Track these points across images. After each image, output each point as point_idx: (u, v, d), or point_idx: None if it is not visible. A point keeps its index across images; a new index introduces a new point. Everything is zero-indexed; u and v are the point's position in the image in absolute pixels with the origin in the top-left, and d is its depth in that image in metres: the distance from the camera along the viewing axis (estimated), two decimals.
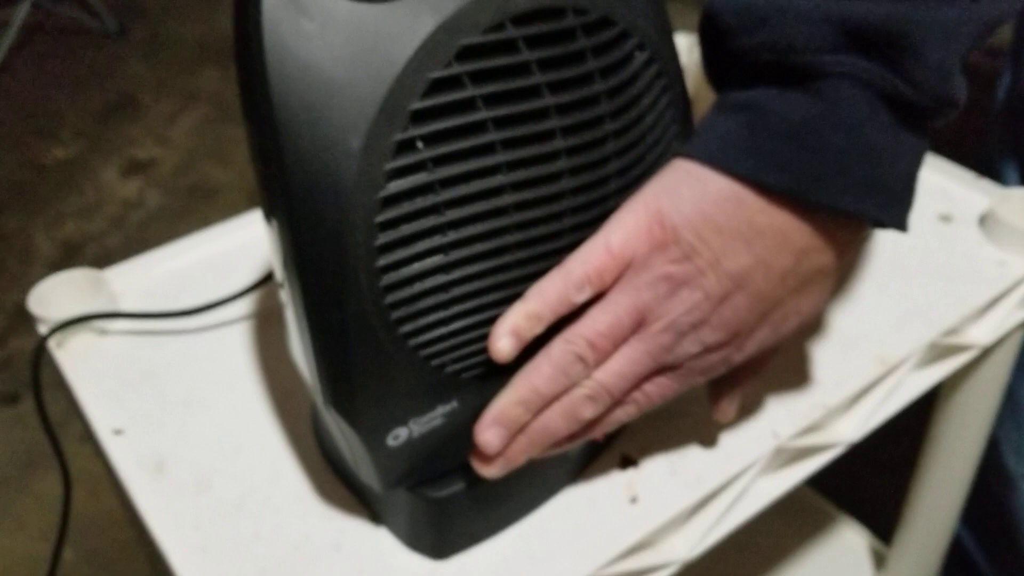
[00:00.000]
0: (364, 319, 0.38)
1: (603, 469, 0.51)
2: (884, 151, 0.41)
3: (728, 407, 0.49)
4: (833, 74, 0.40)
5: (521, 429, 0.43)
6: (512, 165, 0.39)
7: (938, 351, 0.60)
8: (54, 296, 0.60)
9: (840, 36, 0.39)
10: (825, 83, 0.40)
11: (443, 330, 0.40)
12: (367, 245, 0.37)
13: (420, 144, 0.37)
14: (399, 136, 0.37)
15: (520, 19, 0.38)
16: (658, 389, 0.44)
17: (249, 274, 0.64)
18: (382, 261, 0.38)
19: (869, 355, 0.56)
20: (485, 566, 0.47)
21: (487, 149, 0.38)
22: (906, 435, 0.82)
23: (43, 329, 0.59)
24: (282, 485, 0.50)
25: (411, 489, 0.45)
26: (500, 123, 0.38)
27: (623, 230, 0.41)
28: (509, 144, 0.39)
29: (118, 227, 2.16)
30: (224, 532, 0.48)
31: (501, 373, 0.42)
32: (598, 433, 0.45)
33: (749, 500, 0.51)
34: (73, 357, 0.59)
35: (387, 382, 0.40)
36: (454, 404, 0.43)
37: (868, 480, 1.29)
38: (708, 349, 0.43)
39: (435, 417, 0.43)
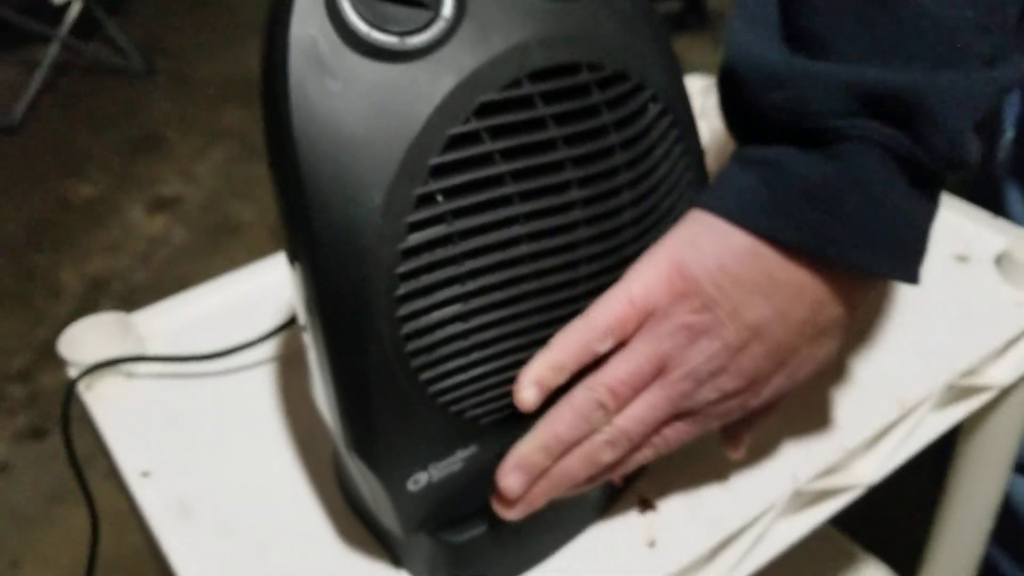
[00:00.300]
0: (386, 367, 0.39)
1: (621, 512, 0.51)
2: (898, 211, 0.42)
3: (740, 446, 0.50)
4: (850, 138, 0.41)
5: (542, 473, 0.44)
6: (529, 216, 0.40)
7: (956, 392, 0.60)
8: (83, 339, 0.61)
9: (858, 102, 0.40)
10: (842, 146, 0.41)
11: (462, 377, 0.41)
12: (388, 295, 0.38)
13: (440, 197, 0.38)
14: (419, 190, 0.38)
15: (536, 76, 0.39)
16: (676, 433, 0.45)
17: (272, 316, 0.65)
18: (403, 310, 0.39)
19: (887, 397, 0.56)
20: None
21: (505, 201, 0.39)
22: (927, 468, 0.82)
23: (72, 372, 0.60)
24: (305, 528, 0.51)
25: (431, 533, 0.46)
26: (517, 176, 0.39)
27: (644, 281, 0.42)
28: (526, 196, 0.40)
29: (144, 264, 2.18)
30: (249, 574, 0.49)
31: (520, 418, 0.43)
32: (616, 475, 0.46)
33: (768, 543, 0.51)
34: (101, 400, 0.60)
35: (408, 428, 0.41)
36: (474, 449, 0.44)
37: (889, 514, 1.28)
38: (726, 396, 0.44)
39: (455, 462, 0.44)
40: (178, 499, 0.53)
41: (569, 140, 0.40)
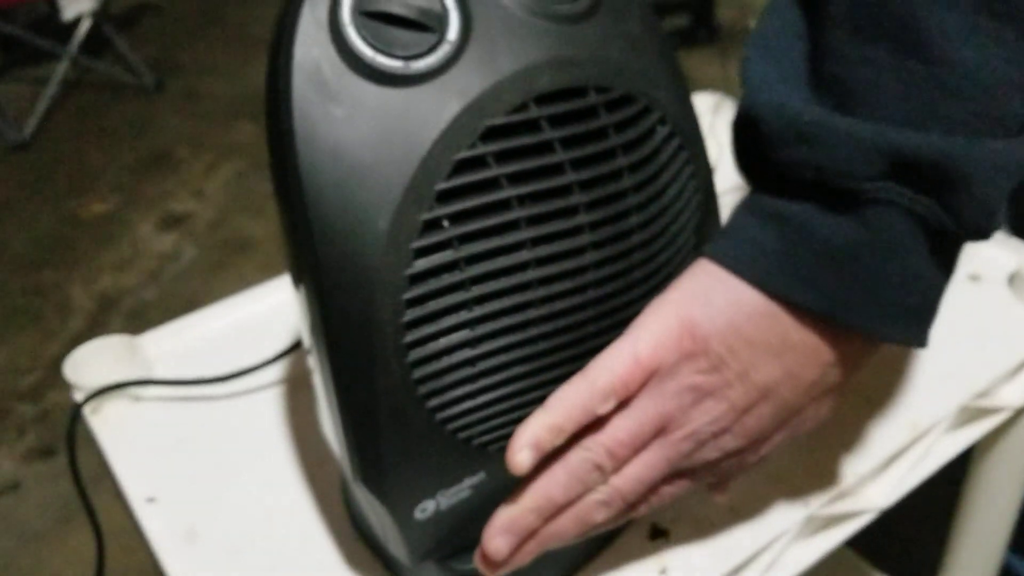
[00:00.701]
0: (393, 395, 0.39)
1: (632, 540, 0.51)
2: (920, 278, 0.40)
3: (726, 492, 0.48)
4: (878, 201, 0.39)
5: (531, 534, 0.42)
6: (536, 241, 0.39)
7: (970, 414, 0.60)
8: (90, 362, 0.61)
9: (889, 165, 0.38)
10: (868, 210, 0.39)
11: (470, 404, 0.41)
12: (395, 322, 0.38)
13: (446, 223, 0.38)
14: (425, 216, 0.37)
15: (543, 99, 0.39)
16: (672, 489, 0.44)
17: (280, 338, 0.65)
18: (410, 337, 0.38)
19: (900, 420, 0.56)
20: None
21: (512, 226, 0.39)
22: (941, 486, 0.81)
23: (79, 396, 0.60)
24: (312, 554, 0.51)
25: (439, 561, 0.45)
26: (524, 200, 0.39)
27: (652, 339, 0.41)
28: (533, 221, 0.39)
29: (154, 280, 2.19)
30: None
31: None
32: (606, 528, 0.45)
33: (780, 569, 0.51)
34: (107, 423, 0.60)
35: (416, 456, 0.41)
36: (482, 476, 0.43)
37: (902, 532, 1.27)
38: (727, 455, 0.43)
39: (463, 489, 0.43)
40: (184, 525, 0.52)
41: (577, 164, 0.40)
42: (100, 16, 2.77)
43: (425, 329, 0.39)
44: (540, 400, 0.41)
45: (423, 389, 0.39)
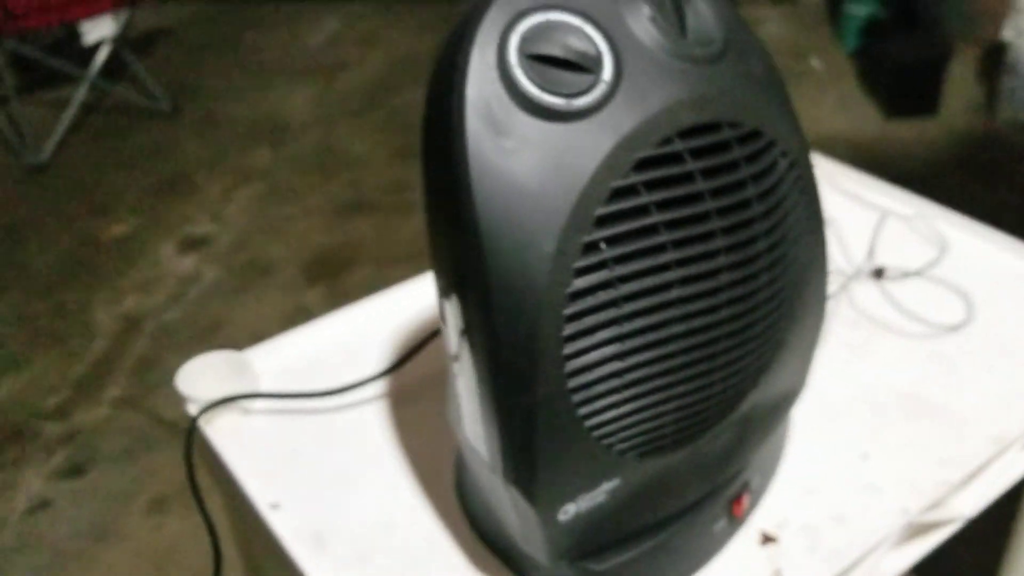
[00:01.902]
0: (550, 402, 0.42)
1: (744, 545, 0.54)
2: None
3: None
4: None
5: None
6: (680, 263, 0.43)
7: None
8: (199, 376, 0.64)
9: None
10: None
11: (615, 412, 0.44)
12: (555, 336, 0.42)
13: (603, 245, 0.42)
14: (586, 238, 0.41)
15: (685, 133, 0.43)
16: None
17: (377, 354, 0.68)
18: (568, 349, 0.42)
19: (984, 434, 0.59)
20: None
21: (659, 249, 0.43)
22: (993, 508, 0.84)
23: (192, 408, 0.63)
24: (438, 558, 0.54)
25: (573, 562, 0.49)
26: (670, 226, 0.43)
27: None
28: (677, 244, 0.43)
29: (176, 302, 2.21)
30: None
31: (659, 452, 0.46)
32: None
33: (881, 574, 0.54)
34: (221, 434, 0.63)
35: (564, 461, 0.44)
36: (616, 481, 0.47)
37: (956, 552, 1.29)
38: None
39: (599, 494, 0.47)
40: (310, 530, 0.56)
41: (714, 193, 0.44)
42: (119, 41, 2.81)
43: (581, 343, 0.42)
44: (673, 410, 0.45)
45: (576, 398, 0.43)
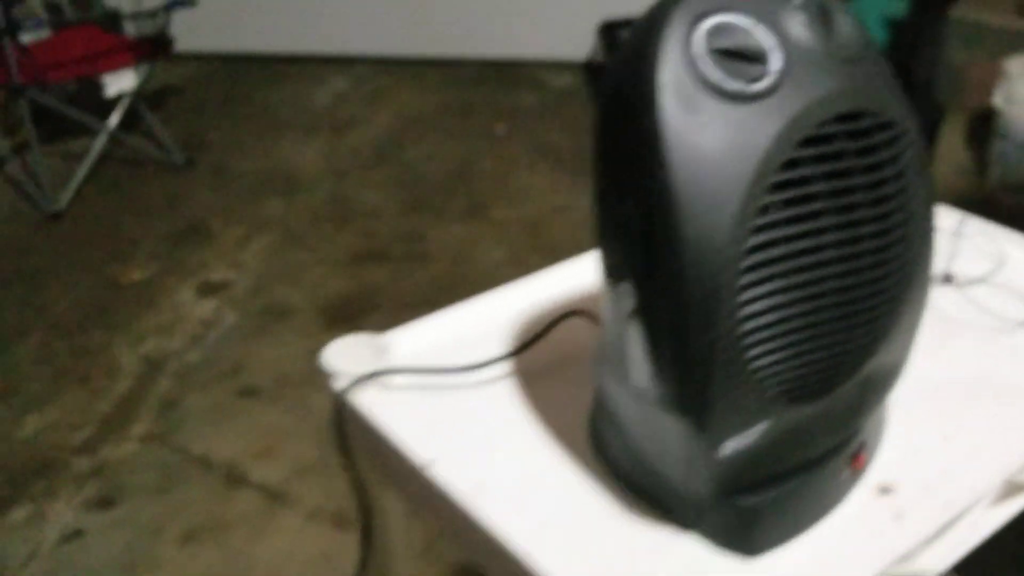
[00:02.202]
0: (725, 342, 0.50)
1: (863, 496, 0.61)
2: None
3: None
4: None
5: None
6: (834, 227, 0.51)
7: None
8: (344, 355, 0.71)
9: None
10: None
11: (775, 356, 0.51)
12: (732, 285, 0.49)
13: (774, 209, 0.49)
14: (761, 202, 0.49)
15: (839, 118, 0.51)
16: None
17: (497, 340, 0.75)
18: (742, 297, 0.49)
19: None
20: (791, 562, 0.57)
21: (818, 214, 0.50)
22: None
23: (341, 382, 0.70)
24: (592, 506, 0.60)
25: (726, 498, 0.55)
26: (825, 195, 0.50)
27: None
28: (832, 212, 0.51)
29: (197, 344, 2.26)
30: (553, 546, 0.58)
31: (806, 398, 0.53)
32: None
33: (983, 526, 0.61)
34: (366, 406, 0.69)
35: (730, 397, 0.51)
36: (765, 424, 0.54)
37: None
38: None
39: (751, 434, 0.54)
40: (470, 480, 0.62)
41: (861, 170, 0.51)
42: (136, 94, 2.89)
43: (753, 291, 0.49)
44: (818, 360, 0.53)
45: (746, 341, 0.50)
